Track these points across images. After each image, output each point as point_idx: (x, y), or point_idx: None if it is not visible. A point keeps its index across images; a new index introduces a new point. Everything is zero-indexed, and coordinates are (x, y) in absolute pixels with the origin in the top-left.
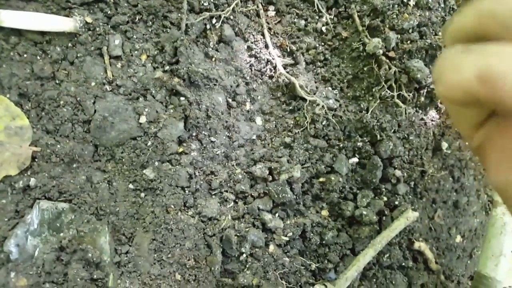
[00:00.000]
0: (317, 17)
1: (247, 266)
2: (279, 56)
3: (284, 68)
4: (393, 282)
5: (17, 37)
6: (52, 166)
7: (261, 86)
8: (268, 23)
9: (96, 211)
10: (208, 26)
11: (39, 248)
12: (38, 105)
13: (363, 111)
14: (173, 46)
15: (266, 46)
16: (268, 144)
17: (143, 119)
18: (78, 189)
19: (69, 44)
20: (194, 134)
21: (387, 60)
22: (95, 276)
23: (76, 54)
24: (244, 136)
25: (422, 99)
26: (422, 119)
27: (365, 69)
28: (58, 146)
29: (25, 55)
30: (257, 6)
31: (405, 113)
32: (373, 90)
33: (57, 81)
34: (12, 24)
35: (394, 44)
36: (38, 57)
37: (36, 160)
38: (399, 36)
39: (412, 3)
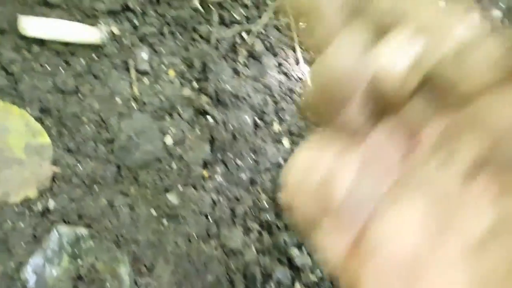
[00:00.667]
0: None
1: None
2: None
3: None
4: None
5: (40, 47)
6: (72, 187)
7: (290, 105)
8: (299, 36)
9: (117, 238)
10: (238, 40)
11: (56, 276)
12: (59, 121)
13: None
14: (202, 61)
15: (297, 62)
16: None
17: (168, 140)
18: (98, 213)
19: (94, 57)
20: (219, 157)
21: None
22: None
23: (101, 67)
24: (271, 159)
25: None
26: None
27: None
28: (80, 166)
29: (47, 67)
30: (290, 18)
31: None
32: None
33: (80, 96)
34: (35, 33)
35: None
36: (61, 69)
37: (56, 181)
38: None
39: None
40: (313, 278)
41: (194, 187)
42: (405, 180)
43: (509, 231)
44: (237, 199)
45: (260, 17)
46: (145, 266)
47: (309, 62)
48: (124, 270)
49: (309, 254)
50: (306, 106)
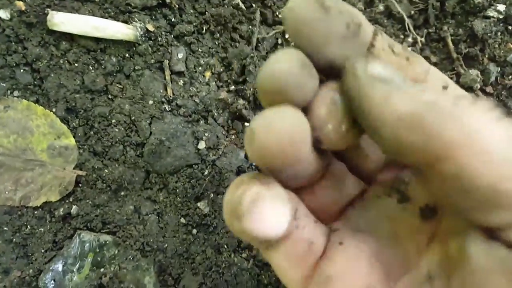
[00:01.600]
0: (402, 36)
1: None
2: None
3: None
4: None
5: (69, 43)
6: (97, 193)
7: None
8: None
9: (142, 246)
10: (280, 41)
11: (77, 285)
12: (86, 122)
13: None
14: (241, 63)
15: None
16: None
17: (202, 145)
18: (124, 220)
19: (127, 55)
20: (254, 164)
21: (484, 96)
22: None
23: (133, 66)
24: None
25: None
26: None
27: None
28: (106, 170)
29: (76, 64)
30: None
31: None
32: None
33: (110, 96)
34: (65, 28)
35: (494, 78)
36: (91, 67)
37: (80, 185)
38: (499, 69)
39: None
40: None
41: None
42: (353, 221)
43: (453, 268)
44: None
45: None
46: (171, 277)
47: None
48: (149, 280)
49: None
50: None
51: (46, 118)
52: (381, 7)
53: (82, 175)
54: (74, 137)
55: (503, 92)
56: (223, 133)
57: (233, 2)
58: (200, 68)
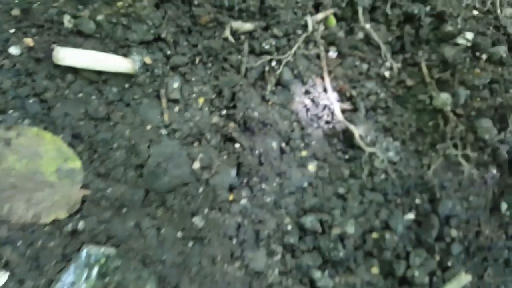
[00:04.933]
0: (380, 62)
1: None
2: (338, 101)
3: (342, 114)
4: None
5: (73, 75)
6: (101, 210)
7: (316, 131)
8: (328, 65)
9: (143, 258)
10: (267, 69)
11: None
12: (90, 147)
13: (424, 167)
14: (232, 90)
15: (325, 90)
16: (320, 194)
17: (196, 165)
18: (126, 235)
19: (126, 85)
20: (245, 181)
21: (455, 117)
22: None
23: (132, 96)
24: (296, 184)
25: (486, 157)
26: (483, 177)
27: (430, 123)
28: (109, 190)
29: (80, 95)
30: (319, 48)
31: (467, 173)
32: (437, 146)
33: (111, 123)
34: (69, 62)
35: (463, 101)
36: (93, 97)
37: (86, 203)
38: (468, 92)
39: (484, 57)
40: None
41: (220, 210)
42: None
43: None
44: (261, 222)
45: (290, 47)
46: (170, 285)
47: (337, 90)
48: None
49: (331, 276)
50: None
51: (54, 144)
52: (360, 35)
53: (88, 195)
54: (80, 160)
55: (471, 113)
56: (216, 154)
57: (223, 36)
58: (194, 95)
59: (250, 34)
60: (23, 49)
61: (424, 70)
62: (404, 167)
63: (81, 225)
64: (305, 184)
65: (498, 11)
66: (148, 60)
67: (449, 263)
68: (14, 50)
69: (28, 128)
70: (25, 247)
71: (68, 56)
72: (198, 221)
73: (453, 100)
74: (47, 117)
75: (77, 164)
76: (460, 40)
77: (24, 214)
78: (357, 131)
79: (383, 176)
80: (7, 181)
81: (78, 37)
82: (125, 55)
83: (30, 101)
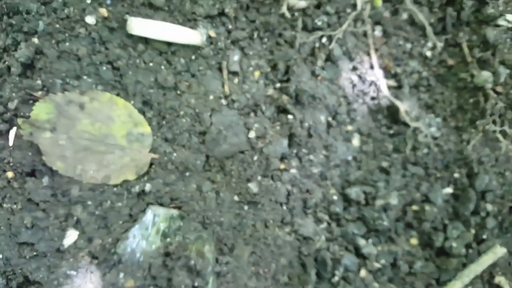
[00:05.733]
0: (423, 42)
1: None
2: (383, 78)
3: (388, 90)
4: None
5: (144, 45)
6: (167, 173)
7: (362, 106)
8: (375, 43)
9: (203, 219)
10: (317, 45)
11: (148, 252)
12: (159, 113)
13: (464, 143)
14: (286, 64)
15: (371, 67)
16: (364, 167)
17: (252, 134)
18: (188, 197)
19: (193, 57)
20: (295, 151)
21: (495, 95)
22: (196, 284)
23: (198, 67)
24: (341, 156)
25: None
26: None
27: (470, 100)
28: (175, 154)
29: (150, 64)
30: (366, 27)
31: (505, 149)
32: (477, 122)
33: (178, 92)
34: (141, 32)
35: (503, 79)
36: (163, 67)
37: (153, 166)
38: (509, 71)
39: None
40: (377, 265)
41: (272, 178)
42: None
43: None
44: (309, 191)
45: (340, 24)
46: (226, 246)
47: (382, 68)
48: (208, 249)
49: (374, 244)
50: None
51: (125, 109)
52: (404, 16)
53: (155, 158)
54: (149, 125)
55: (511, 91)
56: (270, 124)
57: (279, 12)
58: (251, 68)
59: (303, 11)
60: (98, 19)
61: (466, 50)
62: (445, 142)
63: (147, 187)
64: (350, 158)
65: None
66: (212, 33)
67: (484, 236)
68: (90, 19)
69: (101, 93)
70: (94, 207)
71: (140, 26)
72: (253, 186)
73: (494, 78)
74: (119, 84)
75: (146, 129)
76: (501, 22)
77: (95, 175)
78: (402, 107)
79: (425, 150)
80: (80, 143)
81: (149, 9)
82: (191, 27)
83: (104, 68)
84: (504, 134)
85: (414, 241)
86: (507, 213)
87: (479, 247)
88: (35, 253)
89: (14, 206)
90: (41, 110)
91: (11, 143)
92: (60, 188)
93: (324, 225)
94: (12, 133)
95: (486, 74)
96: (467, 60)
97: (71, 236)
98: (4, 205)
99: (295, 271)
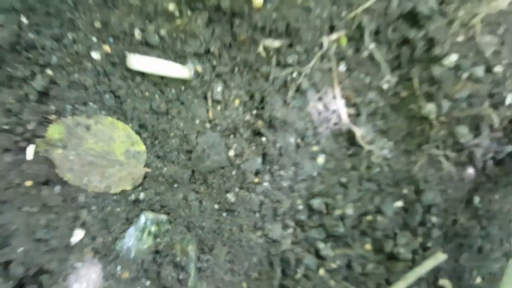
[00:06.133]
0: (380, 76)
1: (300, 284)
2: (344, 107)
3: (348, 117)
4: None
5: (141, 78)
6: (158, 184)
7: (326, 130)
8: (338, 77)
9: (188, 224)
10: (289, 78)
11: (141, 250)
12: (153, 134)
13: (412, 164)
14: (261, 94)
15: (334, 97)
16: (326, 181)
17: (231, 153)
18: (176, 204)
19: (182, 88)
20: (268, 168)
21: (438, 124)
22: (180, 277)
23: (187, 96)
24: (307, 172)
25: (463, 157)
26: (460, 174)
27: (418, 128)
28: (165, 169)
29: (146, 93)
30: (332, 63)
31: (447, 170)
32: (423, 147)
33: (169, 117)
34: (138, 67)
35: (446, 111)
36: (157, 96)
37: (147, 179)
38: (450, 104)
39: (465, 75)
40: (334, 266)
41: (247, 190)
42: None
43: None
44: (279, 201)
45: (308, 61)
46: (206, 246)
47: (344, 98)
48: (191, 248)
49: (332, 248)
50: None
51: (124, 131)
52: (365, 53)
53: (149, 172)
54: (144, 145)
55: (452, 121)
56: (247, 145)
57: (257, 51)
58: (232, 97)
59: (277, 50)
60: (102, 55)
61: (416, 84)
62: (395, 163)
63: (141, 195)
64: (315, 173)
65: (478, 38)
66: (199, 68)
67: (429, 244)
68: (95, 55)
69: (104, 117)
70: (97, 211)
71: (138, 61)
72: (231, 197)
73: (437, 109)
74: (119, 110)
75: (142, 147)
76: (446, 61)
77: (98, 185)
78: (359, 132)
79: (378, 169)
80: (86, 158)
81: (146, 47)
82: (182, 63)
83: (107, 96)
84: (446, 157)
85: (368, 246)
86: (450, 225)
87: (424, 253)
88: (48, 248)
89: (32, 210)
90: (54, 131)
91: (29, 157)
92: (70, 195)
93: (290, 230)
94: (31, 149)
95: (431, 106)
96: (416, 93)
97: (78, 234)
98: (23, 209)
99: (264, 269)
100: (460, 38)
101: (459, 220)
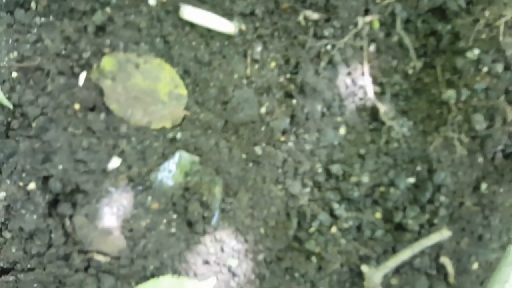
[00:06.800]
0: (406, 61)
1: (313, 238)
2: (371, 84)
3: (373, 94)
4: (417, 282)
5: (190, 28)
6: (194, 128)
7: (351, 104)
8: (368, 56)
9: (216, 168)
10: (323, 50)
11: (172, 184)
12: (195, 81)
13: (428, 143)
14: (296, 60)
15: (363, 74)
16: (346, 151)
17: (263, 110)
18: (208, 149)
19: (226, 43)
20: (294, 129)
21: (456, 109)
22: (205, 214)
23: (229, 51)
24: (329, 140)
25: (475, 145)
26: (470, 160)
27: (437, 111)
28: (202, 115)
29: (193, 43)
30: (363, 42)
31: (459, 153)
32: (440, 129)
33: (211, 67)
34: (189, 18)
35: (464, 98)
36: (202, 47)
37: (185, 121)
38: (469, 93)
39: (485, 69)
40: (345, 225)
41: (273, 146)
42: None
43: None
44: (300, 162)
45: (342, 36)
46: (232, 190)
47: (371, 76)
48: (218, 190)
49: (345, 210)
50: None
51: (170, 73)
52: (395, 38)
53: (187, 115)
54: (186, 89)
55: (469, 108)
56: (278, 104)
57: (297, 20)
58: (269, 59)
59: (315, 22)
60: (158, 2)
61: (439, 72)
62: (413, 141)
63: (179, 135)
64: (336, 142)
65: (501, 37)
66: (243, 27)
67: (435, 221)
68: (151, 1)
69: (153, 58)
70: (137, 143)
71: (189, 13)
72: (258, 150)
73: (457, 96)
74: (167, 54)
75: (184, 91)
76: (469, 54)
77: (140, 119)
78: (383, 108)
79: (396, 145)
80: (132, 93)
81: (197, 1)
82: (229, 20)
83: (157, 40)
84: (460, 141)
85: (378, 215)
86: (457, 207)
87: (430, 228)
88: (86, 169)
89: (76, 131)
90: (107, 63)
91: (81, 83)
92: (112, 124)
93: (308, 189)
94: (83, 75)
95: (451, 92)
96: (438, 80)
97: (115, 161)
98: (69, 129)
99: (281, 219)
100: (483, 36)
101: (465, 203)
